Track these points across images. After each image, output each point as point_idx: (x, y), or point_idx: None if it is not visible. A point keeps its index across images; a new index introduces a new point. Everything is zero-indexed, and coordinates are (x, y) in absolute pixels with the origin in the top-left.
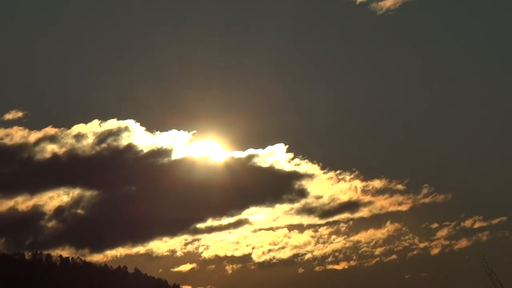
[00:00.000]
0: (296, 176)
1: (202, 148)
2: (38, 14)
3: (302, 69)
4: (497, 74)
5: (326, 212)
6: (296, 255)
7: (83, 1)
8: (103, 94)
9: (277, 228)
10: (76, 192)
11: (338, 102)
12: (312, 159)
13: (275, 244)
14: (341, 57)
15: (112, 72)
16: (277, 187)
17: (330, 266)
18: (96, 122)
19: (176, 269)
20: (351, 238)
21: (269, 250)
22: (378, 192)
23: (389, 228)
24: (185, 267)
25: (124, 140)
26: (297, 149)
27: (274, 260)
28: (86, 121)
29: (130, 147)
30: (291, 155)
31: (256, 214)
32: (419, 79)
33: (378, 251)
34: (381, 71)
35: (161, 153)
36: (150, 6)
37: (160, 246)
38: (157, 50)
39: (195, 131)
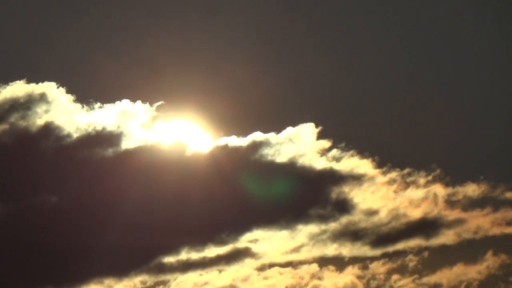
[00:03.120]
0: (335, 177)
1: (173, 130)
2: None
3: (340, 15)
4: None
5: (383, 237)
6: None
7: None
8: (6, 43)
9: (300, 263)
10: None
11: (404, 64)
12: (361, 150)
13: None
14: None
15: (22, 9)
16: (302, 196)
17: None
18: None
19: None
20: (426, 280)
21: None
22: (473, 203)
23: (490, 262)
24: None
25: (40, 117)
26: (337, 133)
27: None
28: None
29: (49, 129)
30: (326, 142)
31: (264, 240)
32: None
33: None
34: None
35: (104, 138)
36: None
37: None
38: None
39: (161, 102)
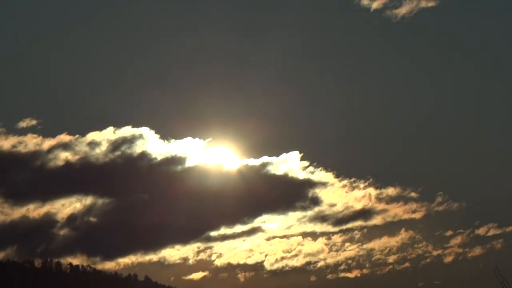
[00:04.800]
0: (310, 184)
1: (216, 155)
2: (51, 22)
3: (316, 76)
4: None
5: (339, 220)
6: (308, 263)
7: (96, 9)
8: (118, 102)
9: (291, 236)
10: (89, 199)
11: (352, 110)
12: (326, 167)
13: (288, 252)
14: (355, 64)
15: (126, 79)
16: (291, 195)
17: (342, 274)
18: (110, 129)
19: (188, 277)
20: (365, 246)
21: (282, 258)
22: (392, 200)
23: (402, 236)
24: (197, 275)
25: (138, 148)
26: (312, 157)
27: (287, 268)
28: (100, 128)
29: (144, 155)
30: (305, 163)
31: (269, 222)
32: (434, 87)
33: (391, 259)
34: (396, 78)
35: (175, 160)
36: (164, 14)
37: (173, 254)
38: (171, 57)
39: (210, 139)
